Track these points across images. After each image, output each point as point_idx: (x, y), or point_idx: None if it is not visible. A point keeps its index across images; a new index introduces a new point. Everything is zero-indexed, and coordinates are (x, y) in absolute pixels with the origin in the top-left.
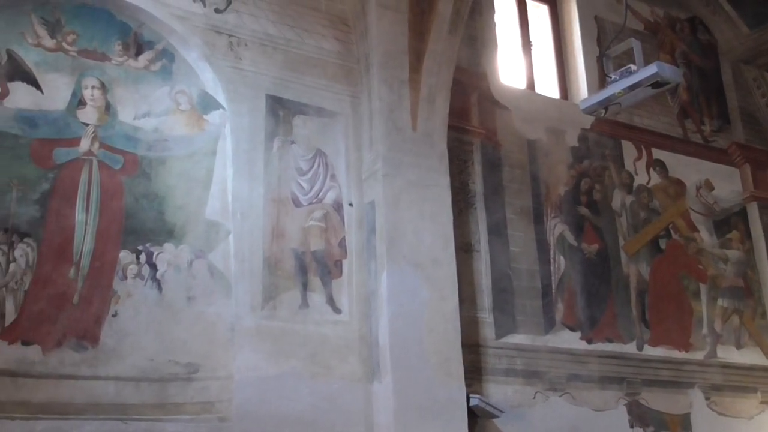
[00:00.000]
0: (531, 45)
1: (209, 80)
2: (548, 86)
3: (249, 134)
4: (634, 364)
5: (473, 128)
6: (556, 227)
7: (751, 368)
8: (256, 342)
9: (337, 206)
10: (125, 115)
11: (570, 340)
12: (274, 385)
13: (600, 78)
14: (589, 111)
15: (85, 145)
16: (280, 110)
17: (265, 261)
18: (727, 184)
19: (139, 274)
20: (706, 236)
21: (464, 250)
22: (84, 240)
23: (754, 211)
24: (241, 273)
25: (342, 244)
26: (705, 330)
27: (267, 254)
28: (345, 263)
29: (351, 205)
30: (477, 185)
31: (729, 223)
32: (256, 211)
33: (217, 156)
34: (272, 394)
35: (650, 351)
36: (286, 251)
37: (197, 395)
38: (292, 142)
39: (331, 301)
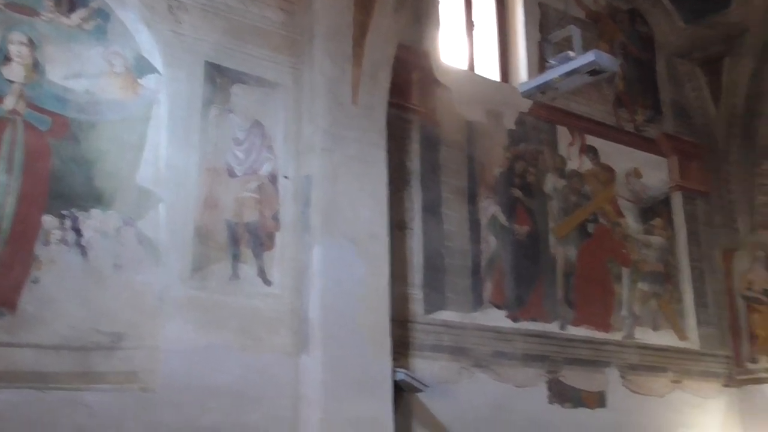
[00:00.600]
0: (473, 26)
1: (146, 43)
2: (489, 68)
3: (185, 101)
4: (557, 343)
5: (413, 106)
6: (490, 208)
7: (665, 349)
8: (184, 312)
9: (273, 178)
10: (55, 74)
11: (497, 318)
12: (203, 356)
13: (540, 63)
14: (528, 94)
15: (9, 103)
16: (219, 78)
17: (196, 231)
18: (655, 173)
19: (63, 240)
20: (631, 222)
21: (398, 227)
22: (5, 202)
23: (678, 200)
24: (172, 242)
25: (276, 216)
26: (625, 312)
27: (199, 224)
28: (278, 236)
29: (287, 177)
30: (414, 163)
31: (654, 210)
32: (189, 180)
33: (151, 122)
34: (200, 366)
35: (572, 331)
36: (219, 222)
37: (121, 365)
38: (230, 112)
39: (262, 274)
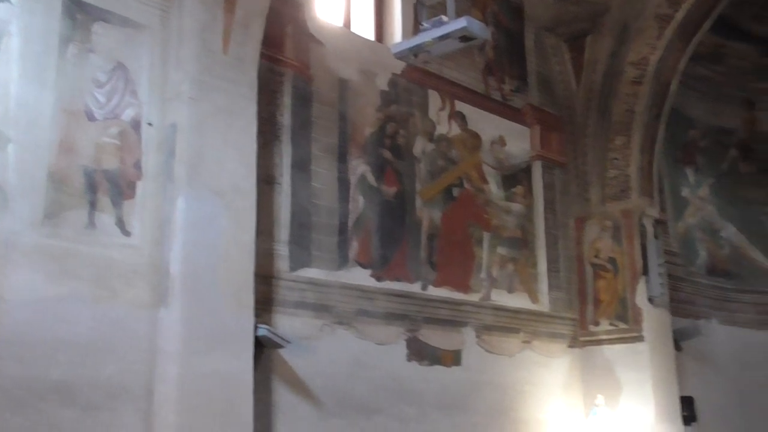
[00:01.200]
0: None
1: None
2: (364, 27)
3: (41, 36)
4: (418, 302)
5: (286, 59)
6: (359, 167)
7: (518, 311)
8: (34, 261)
9: (136, 125)
10: None
11: (361, 277)
12: (53, 307)
13: (415, 25)
14: (400, 56)
15: None
16: (79, 14)
17: (49, 175)
18: (518, 142)
19: None
20: (494, 189)
21: (266, 181)
22: None
23: (538, 170)
24: (21, 186)
25: (138, 165)
26: (483, 275)
27: (53, 168)
28: (139, 185)
29: (150, 124)
30: (285, 118)
31: (515, 178)
32: (43, 121)
33: (0, 55)
34: (50, 317)
35: (433, 291)
36: (75, 167)
37: None
38: (90, 51)
39: (120, 224)
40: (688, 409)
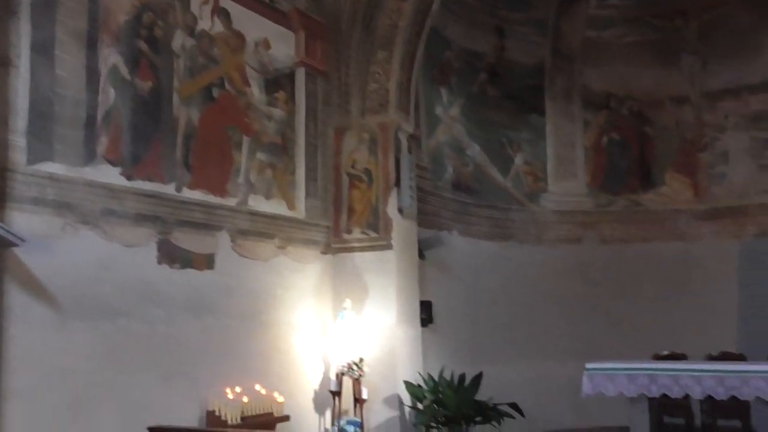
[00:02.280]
0: None
1: None
2: None
3: None
4: (171, 204)
5: None
6: (111, 57)
7: (275, 217)
8: None
9: None
10: None
11: (110, 174)
12: None
13: None
14: None
15: None
16: None
17: None
18: (283, 47)
19: None
20: (256, 92)
21: (0, 63)
22: None
23: (301, 77)
24: None
25: None
26: (241, 179)
27: None
28: None
29: None
30: None
31: (278, 83)
32: None
33: None
34: None
35: (188, 194)
36: None
37: None
38: None
39: None
40: (427, 312)
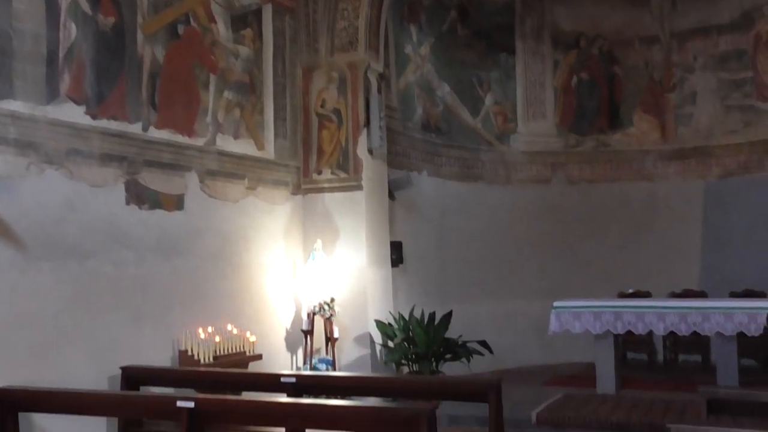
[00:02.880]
0: None
1: None
2: None
3: None
4: (138, 144)
5: None
6: None
7: (244, 157)
8: None
9: None
10: None
11: (74, 113)
12: None
13: None
14: None
15: None
16: None
17: None
18: None
19: None
20: (222, 29)
21: None
22: None
23: (268, 13)
24: None
25: None
26: (209, 119)
27: None
28: None
29: None
30: None
31: (245, 20)
32: None
33: None
34: None
35: (155, 133)
36: None
37: None
38: None
39: None
40: (397, 253)
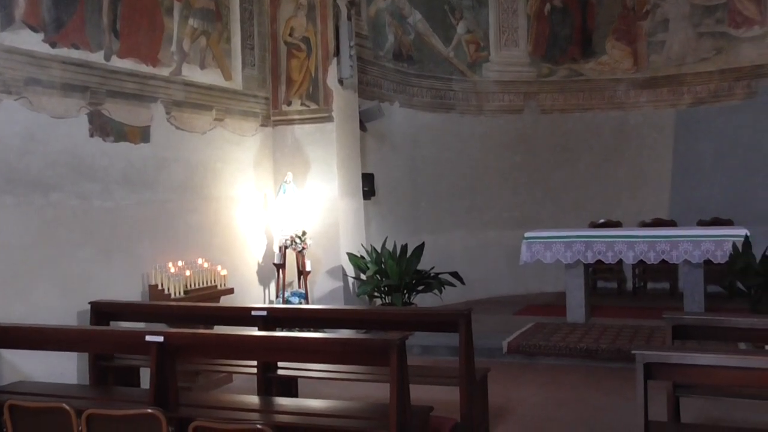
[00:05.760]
0: None
1: None
2: None
3: None
4: (100, 74)
5: None
6: None
7: (211, 88)
8: None
9: None
10: None
11: (31, 41)
12: None
13: None
14: None
15: None
16: None
17: None
18: None
19: None
20: None
21: None
22: None
23: None
24: None
25: None
26: (174, 48)
27: None
28: None
29: None
30: None
31: None
32: None
33: None
34: None
35: (118, 63)
36: None
37: None
38: None
39: None
40: (369, 185)
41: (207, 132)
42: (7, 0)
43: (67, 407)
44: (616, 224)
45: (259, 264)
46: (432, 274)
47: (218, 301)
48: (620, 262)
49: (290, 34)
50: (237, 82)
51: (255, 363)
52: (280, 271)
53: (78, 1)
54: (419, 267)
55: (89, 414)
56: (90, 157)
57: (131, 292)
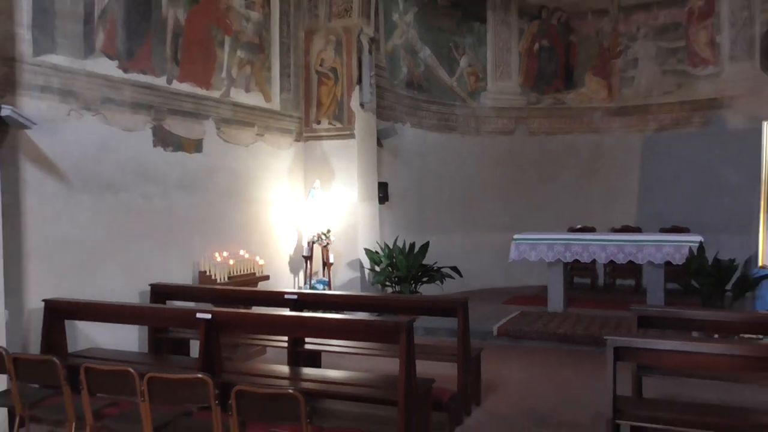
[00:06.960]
0: None
1: None
2: None
3: None
4: (163, 95)
5: None
6: None
7: (253, 108)
8: None
9: None
10: None
11: (107, 67)
12: None
13: None
14: None
15: None
16: None
17: None
18: None
19: None
20: None
21: None
22: None
23: None
24: None
25: None
26: (224, 74)
27: None
28: None
29: None
30: None
31: None
32: None
33: None
34: None
35: (178, 86)
36: None
37: None
38: None
39: None
40: (383, 192)
41: (250, 145)
42: (90, 33)
43: (132, 371)
44: (591, 229)
45: (290, 256)
46: (435, 268)
47: (256, 286)
48: (594, 261)
49: (320, 65)
50: (275, 104)
51: (286, 338)
52: (308, 262)
53: (147, 34)
54: (424, 261)
55: (150, 377)
56: (153, 164)
57: (184, 277)
